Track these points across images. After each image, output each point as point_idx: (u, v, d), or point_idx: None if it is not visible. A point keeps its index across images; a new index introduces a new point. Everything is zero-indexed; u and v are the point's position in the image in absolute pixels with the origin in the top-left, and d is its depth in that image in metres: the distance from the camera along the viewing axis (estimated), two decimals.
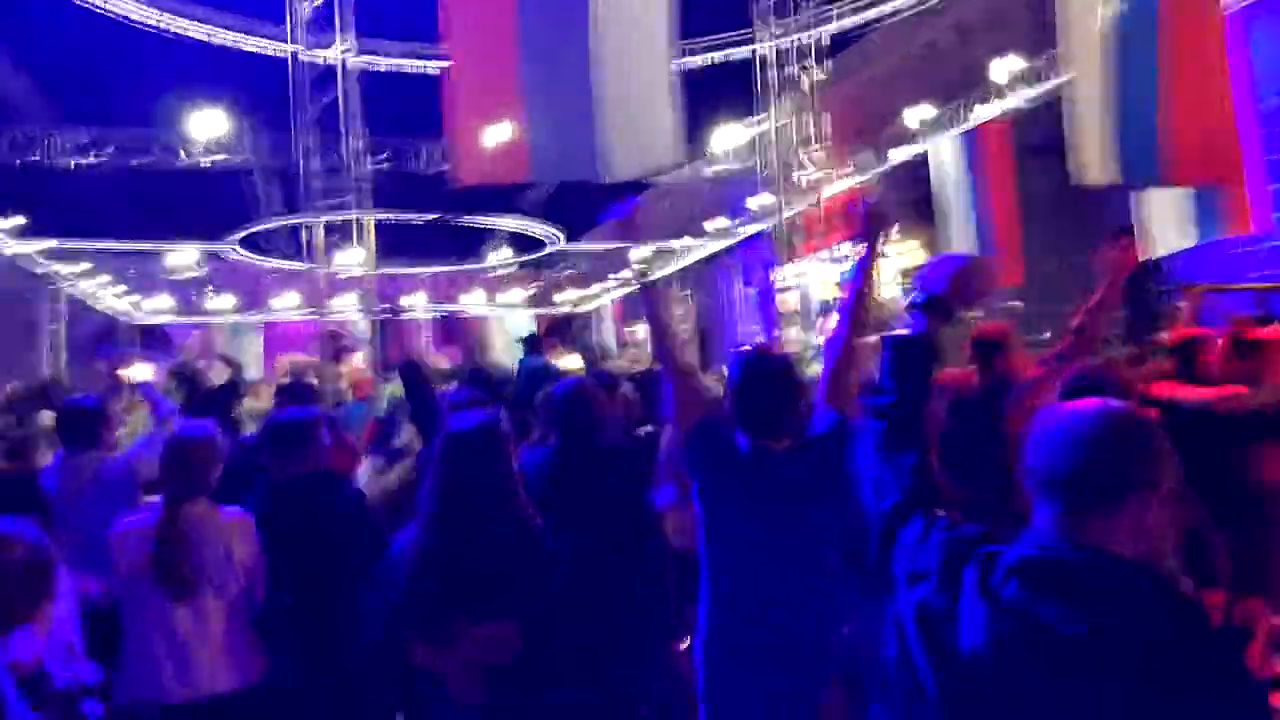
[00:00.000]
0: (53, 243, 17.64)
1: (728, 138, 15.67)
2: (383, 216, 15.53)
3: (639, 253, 23.09)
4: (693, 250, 22.14)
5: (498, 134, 7.47)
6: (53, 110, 14.83)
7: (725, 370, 6.08)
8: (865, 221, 2.78)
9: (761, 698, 2.51)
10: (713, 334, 26.10)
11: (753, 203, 18.05)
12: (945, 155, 13.49)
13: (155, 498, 3.89)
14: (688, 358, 2.95)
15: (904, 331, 1.91)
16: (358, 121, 8.15)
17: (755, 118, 15.68)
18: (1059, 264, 16.51)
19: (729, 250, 21.26)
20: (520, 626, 2.50)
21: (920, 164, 15.69)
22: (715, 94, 15.40)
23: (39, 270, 18.55)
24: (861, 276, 2.72)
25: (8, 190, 16.08)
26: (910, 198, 17.64)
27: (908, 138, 15.02)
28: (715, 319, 25.69)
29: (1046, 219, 16.44)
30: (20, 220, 16.32)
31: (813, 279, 14.55)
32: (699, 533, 2.68)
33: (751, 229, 19.34)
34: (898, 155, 15.25)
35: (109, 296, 21.36)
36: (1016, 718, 1.29)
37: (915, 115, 14.76)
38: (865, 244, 2.77)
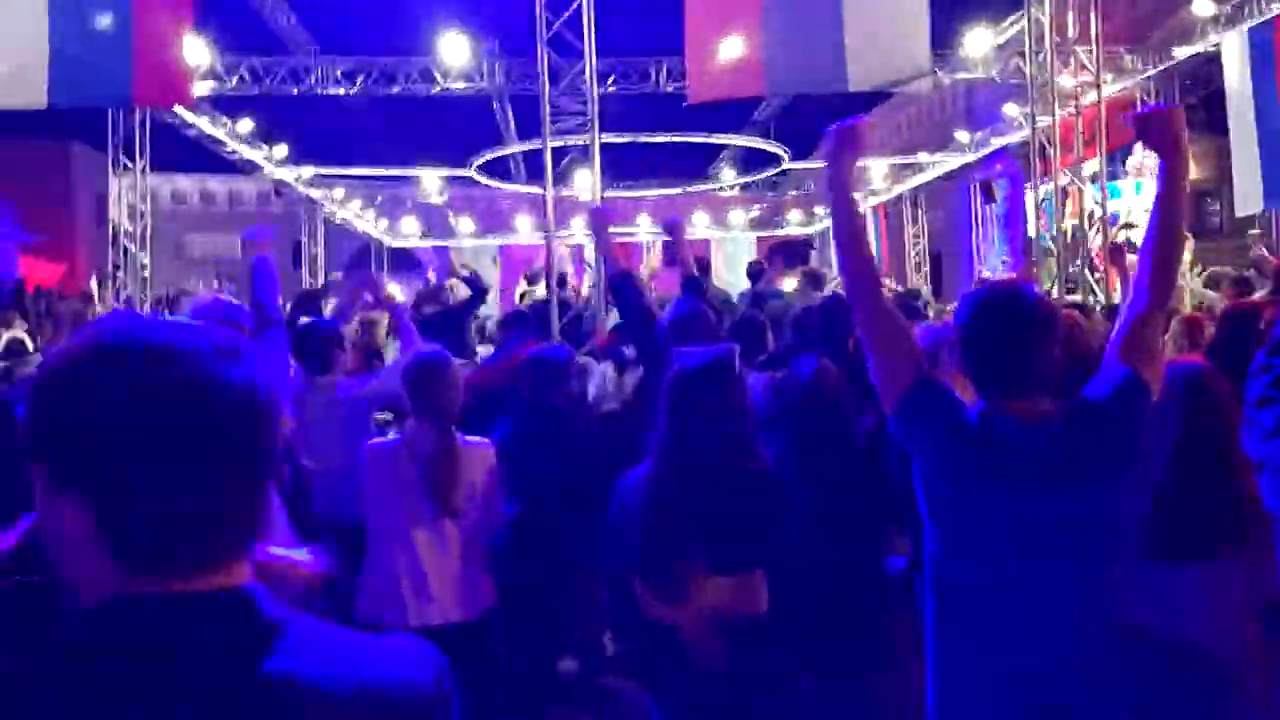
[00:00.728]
0: (312, 170, 19.02)
1: (978, 42, 14.40)
2: (614, 140, 15.59)
3: (875, 168, 22.19)
4: (934, 165, 20.86)
5: (735, 48, 7.19)
6: (315, 40, 15.79)
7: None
8: (1155, 130, 2.10)
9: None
10: (946, 260, 24.72)
11: (1008, 110, 16.68)
12: (1236, 52, 11.79)
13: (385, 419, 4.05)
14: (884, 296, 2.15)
15: None
16: (594, 44, 8.02)
17: (1011, 17, 14.32)
18: None
19: (973, 165, 19.86)
20: (766, 577, 2.29)
21: (1205, 63, 13.89)
22: None
23: (301, 195, 20.10)
24: (1163, 201, 2.07)
25: (275, 119, 17.41)
26: (1192, 102, 15.75)
27: (1195, 32, 13.23)
28: (951, 243, 24.29)
29: None
30: (285, 149, 17.67)
31: (1072, 198, 13.26)
32: (925, 526, 2.06)
33: (1000, 141, 17.95)
34: (1182, 53, 13.49)
35: (363, 221, 22.93)
36: None
37: (1204, 6, 12.93)
38: (1161, 160, 2.09)
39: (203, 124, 14.84)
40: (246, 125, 16.22)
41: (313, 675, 0.78)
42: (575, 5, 8.16)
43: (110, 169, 14.07)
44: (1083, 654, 1.86)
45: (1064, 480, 1.90)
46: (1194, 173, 17.31)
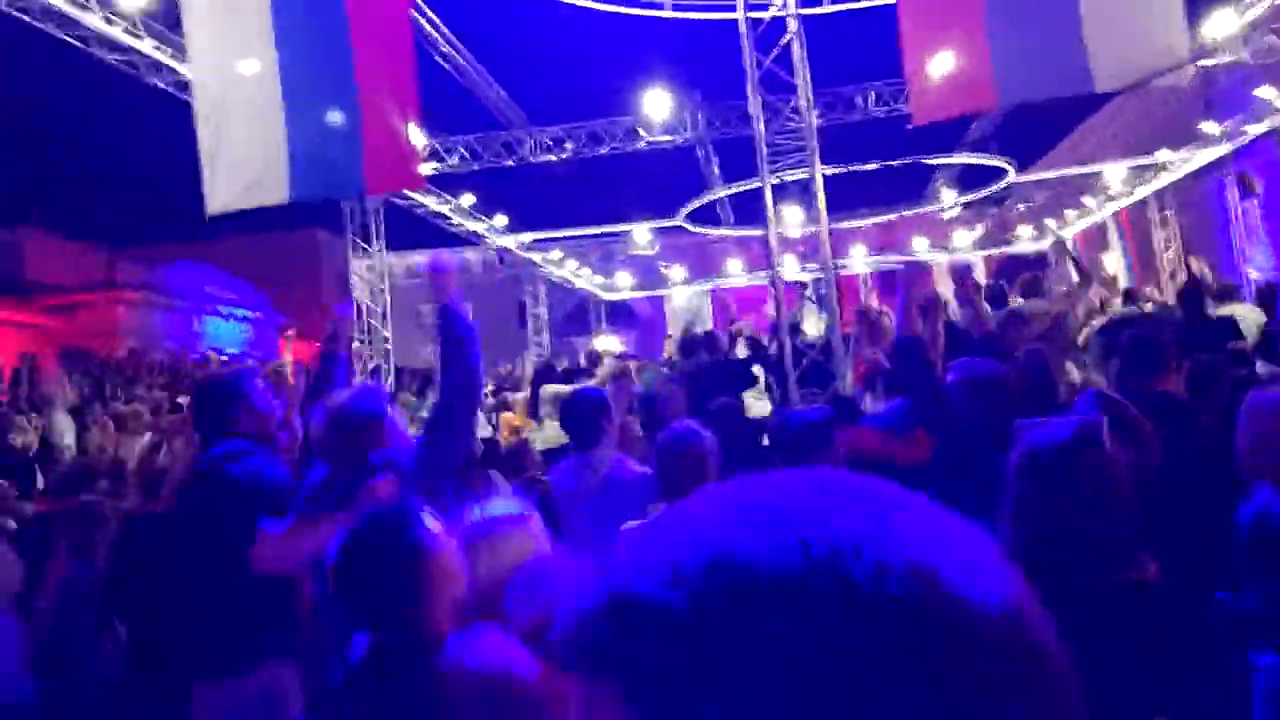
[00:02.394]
0: (530, 235, 19.79)
1: (1224, 23, 12.98)
2: (828, 171, 15.16)
3: (1112, 172, 20.46)
4: (1180, 163, 19.00)
5: (958, 62, 6.69)
6: (522, 111, 16.44)
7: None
8: None
9: None
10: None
11: (1261, 94, 14.95)
12: None
13: None
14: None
15: None
16: (805, 76, 7.76)
17: None
18: None
19: (1224, 159, 17.91)
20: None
21: None
22: None
23: (522, 259, 20.94)
24: None
25: (493, 191, 18.25)
26: None
27: None
28: (1208, 245, 21.95)
29: None
30: (503, 218, 18.48)
31: None
32: None
33: (1256, 128, 16.10)
34: None
35: (580, 278, 23.61)
36: None
37: None
38: None
39: (429, 203, 15.74)
40: (468, 199, 17.06)
41: None
42: (784, 42, 7.94)
43: (350, 251, 15.13)
44: None
45: None
46: None
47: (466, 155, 14.49)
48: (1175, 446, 2.34)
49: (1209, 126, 17.80)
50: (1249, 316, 7.36)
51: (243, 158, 5.99)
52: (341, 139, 5.72)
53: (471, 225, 17.65)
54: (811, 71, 8.57)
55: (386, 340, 14.92)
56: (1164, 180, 19.64)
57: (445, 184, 16.22)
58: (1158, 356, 3.06)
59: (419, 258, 38.13)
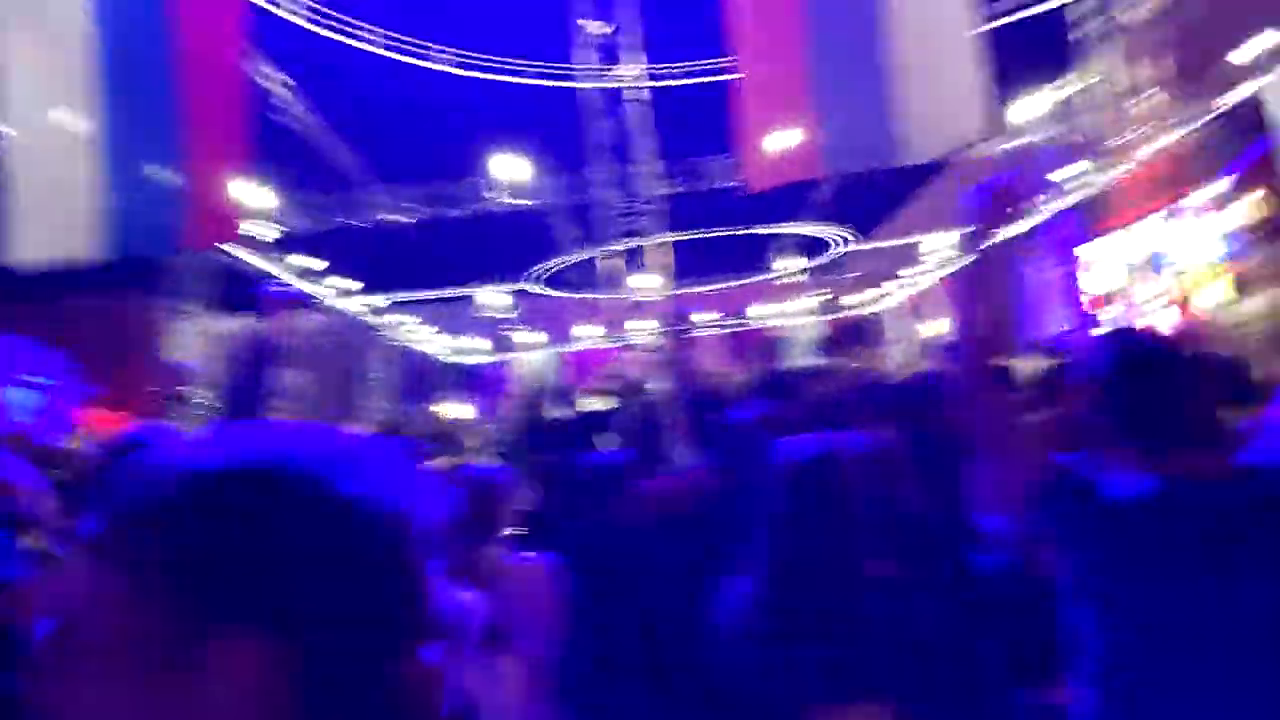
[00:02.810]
0: (371, 298, 19.42)
1: (1029, 106, 14.18)
2: (674, 238, 15.55)
3: (941, 241, 21.82)
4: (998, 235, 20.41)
5: (788, 133, 7.05)
6: (364, 167, 16.22)
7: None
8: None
9: None
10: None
11: (1058, 175, 16.32)
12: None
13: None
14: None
15: None
16: (648, 147, 8.00)
17: (1062, 80, 14.10)
18: None
19: (1024, 234, 19.39)
20: (895, 709, 1.93)
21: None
22: (1013, 61, 14.00)
23: (362, 321, 20.45)
24: None
25: (333, 250, 17.82)
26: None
27: (1239, 79, 12.84)
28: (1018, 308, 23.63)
29: None
30: (344, 281, 18.06)
31: (1119, 254, 12.76)
32: (1073, 607, 1.83)
33: (1059, 205, 17.51)
34: (1228, 100, 13.10)
35: (429, 344, 23.28)
36: None
37: (1249, 51, 12.58)
38: None
39: (261, 263, 15.23)
40: (307, 260, 16.62)
41: None
42: (631, 111, 8.16)
43: (179, 317, 14.44)
44: None
45: (1238, 557, 1.63)
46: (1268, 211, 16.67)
47: (312, 213, 14.16)
48: None
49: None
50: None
51: (52, 210, 5.65)
52: (161, 194, 5.48)
53: (309, 288, 17.14)
54: (665, 141, 8.83)
55: (218, 403, 14.21)
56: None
57: (288, 245, 15.76)
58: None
59: (247, 321, 36.63)
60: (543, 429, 6.80)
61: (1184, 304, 11.58)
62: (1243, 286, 8.78)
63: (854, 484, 1.99)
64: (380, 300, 19.71)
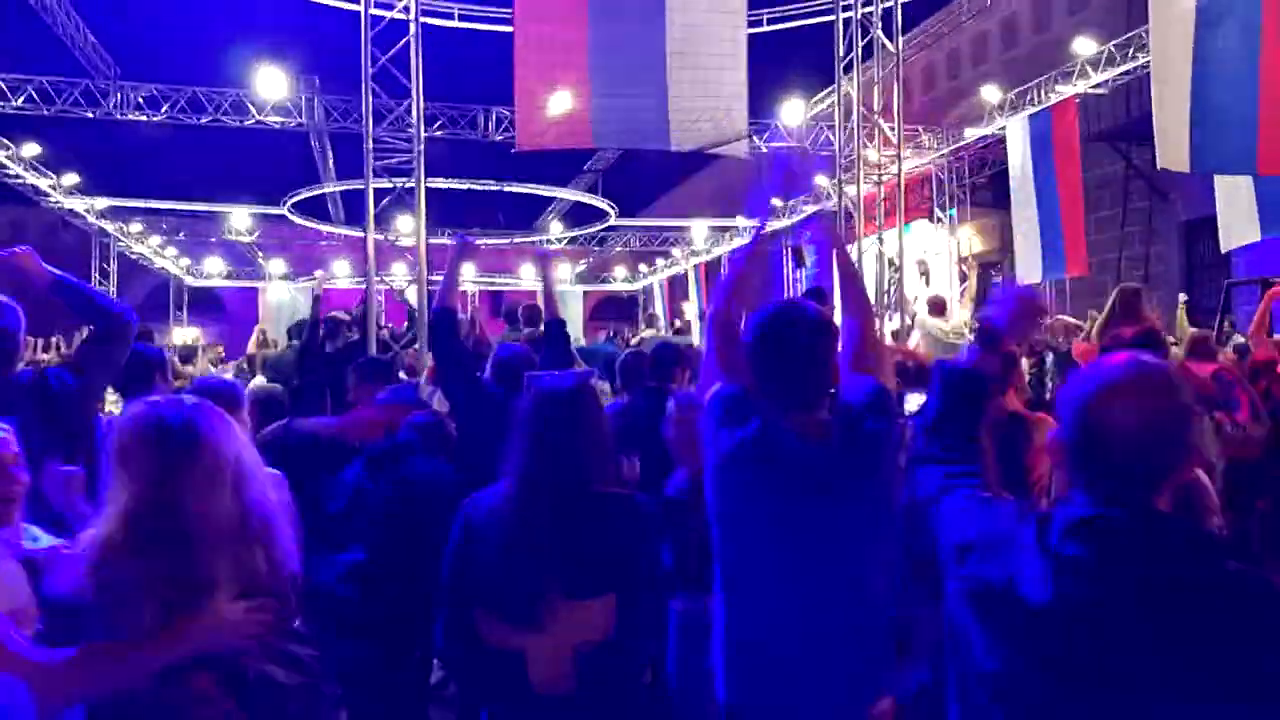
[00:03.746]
0: (106, 201, 17.73)
1: (795, 112, 15.20)
2: (442, 185, 15.32)
3: (698, 229, 22.87)
4: (749, 230, 21.71)
5: (563, 99, 7.23)
6: (116, 68, 14.83)
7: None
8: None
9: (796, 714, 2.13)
10: None
11: (819, 181, 17.59)
12: (1019, 136, 12.97)
13: None
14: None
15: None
16: (421, 85, 7.86)
17: (821, 93, 15.21)
18: (1118, 258, 16.00)
19: (786, 231, 20.80)
20: (617, 600, 2.27)
21: (987, 146, 15.18)
22: (784, 66, 14.94)
23: (93, 228, 18.66)
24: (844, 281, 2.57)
25: (66, 146, 16.17)
26: (981, 180, 17.15)
27: (982, 117, 14.47)
28: (767, 302, 25.23)
29: (1105, 209, 15.91)
30: (75, 178, 16.41)
31: (870, 260, 14.10)
32: (713, 527, 2.22)
33: (811, 208, 18.88)
34: (973, 134, 14.71)
35: (163, 258, 21.53)
36: (1084, 668, 1.36)
37: (992, 92, 14.19)
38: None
39: None
40: (32, 150, 14.98)
41: None
42: (403, 43, 8.01)
43: None
44: (833, 630, 2.08)
45: (838, 487, 2.07)
46: (980, 245, 18.88)
47: (37, 98, 12.74)
48: None
49: (776, 201, 20.64)
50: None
51: None
52: None
53: (33, 179, 15.45)
54: (438, 85, 8.70)
55: None
56: (737, 243, 22.34)
57: (8, 128, 14.13)
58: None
59: None
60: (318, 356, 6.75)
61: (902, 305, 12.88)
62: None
63: (572, 409, 2.37)
64: (111, 204, 18.04)
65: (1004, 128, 13.53)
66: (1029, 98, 13.19)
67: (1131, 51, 11.57)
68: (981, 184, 17.25)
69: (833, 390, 2.24)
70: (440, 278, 4.50)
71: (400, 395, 3.90)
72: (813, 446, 2.08)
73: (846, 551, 2.07)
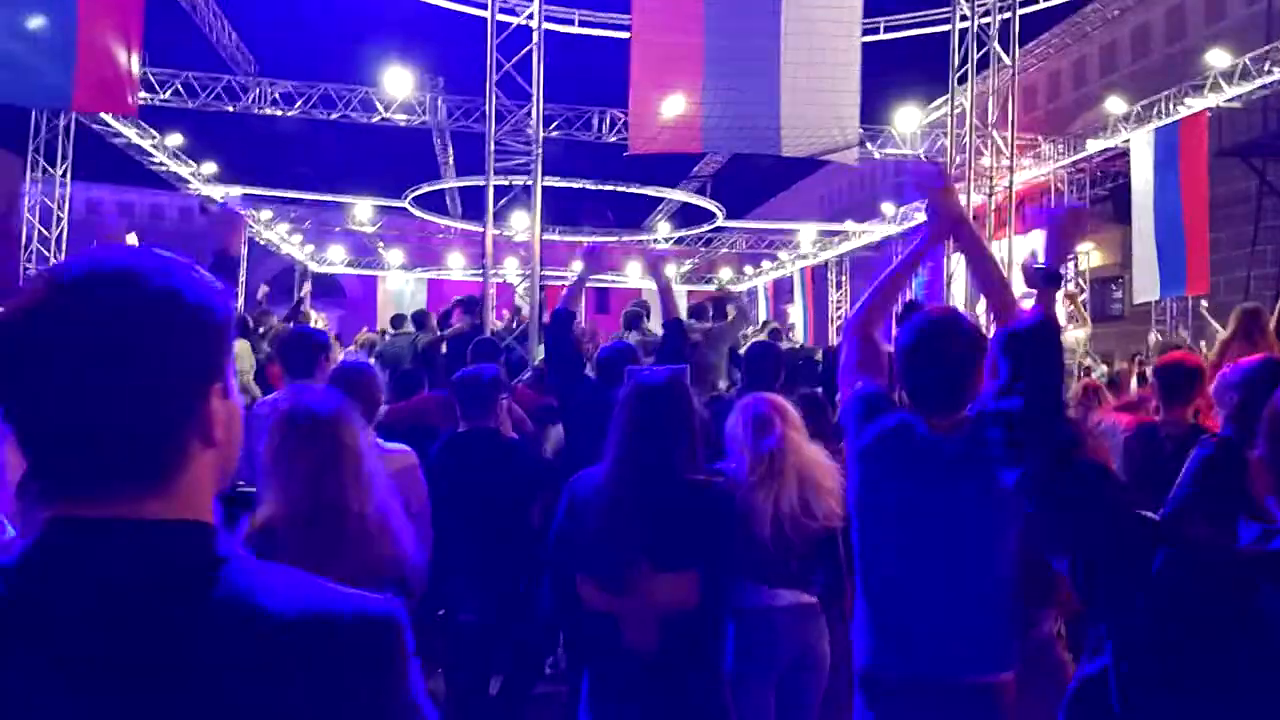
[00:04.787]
0: (240, 189, 18.75)
1: (908, 119, 15.04)
2: (557, 184, 15.70)
3: (805, 233, 22.78)
4: (859, 235, 21.53)
5: (675, 104, 7.41)
6: (255, 64, 15.69)
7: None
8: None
9: (925, 688, 2.29)
10: None
11: (886, 208, 17.39)
12: (1144, 149, 12.55)
13: None
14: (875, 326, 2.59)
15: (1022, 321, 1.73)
16: (542, 91, 8.16)
17: (936, 101, 15.00)
18: (1247, 276, 15.28)
19: (897, 238, 20.55)
20: (700, 576, 2.51)
21: (1109, 159, 14.72)
22: (900, 73, 14.80)
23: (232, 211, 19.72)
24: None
25: (206, 136, 17.16)
26: (1099, 194, 16.63)
27: (1107, 128, 14.05)
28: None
29: (1235, 227, 15.21)
30: (214, 167, 17.42)
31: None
32: (851, 514, 2.43)
33: (924, 216, 18.62)
34: (1096, 145, 14.30)
35: (289, 244, 22.58)
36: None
37: (1117, 104, 13.78)
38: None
39: (130, 134, 14.56)
40: (175, 139, 15.96)
41: (264, 602, 0.80)
42: (526, 50, 8.32)
43: (28, 172, 13.69)
44: (960, 600, 2.25)
45: (967, 485, 2.23)
46: (1100, 259, 18.27)
47: (182, 91, 13.60)
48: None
49: (888, 208, 20.40)
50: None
51: None
52: (50, 47, 5.36)
53: (175, 167, 16.47)
54: (558, 88, 8.97)
55: None
56: (844, 248, 22.15)
57: (154, 119, 15.10)
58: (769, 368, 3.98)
59: (103, 192, 34.54)
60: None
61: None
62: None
63: (665, 401, 2.60)
64: (245, 192, 19.06)
65: (1128, 140, 13.13)
66: (1156, 110, 12.77)
67: (1268, 65, 11.10)
68: (1103, 196, 16.72)
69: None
70: (552, 274, 4.83)
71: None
72: (941, 437, 2.26)
73: (970, 533, 2.25)
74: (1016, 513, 2.22)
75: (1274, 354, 4.47)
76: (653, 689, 2.51)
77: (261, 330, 6.81)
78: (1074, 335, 12.16)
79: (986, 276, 2.59)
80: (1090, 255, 17.72)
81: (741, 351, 5.65)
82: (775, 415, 2.97)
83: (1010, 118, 11.76)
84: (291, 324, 5.78)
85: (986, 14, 11.40)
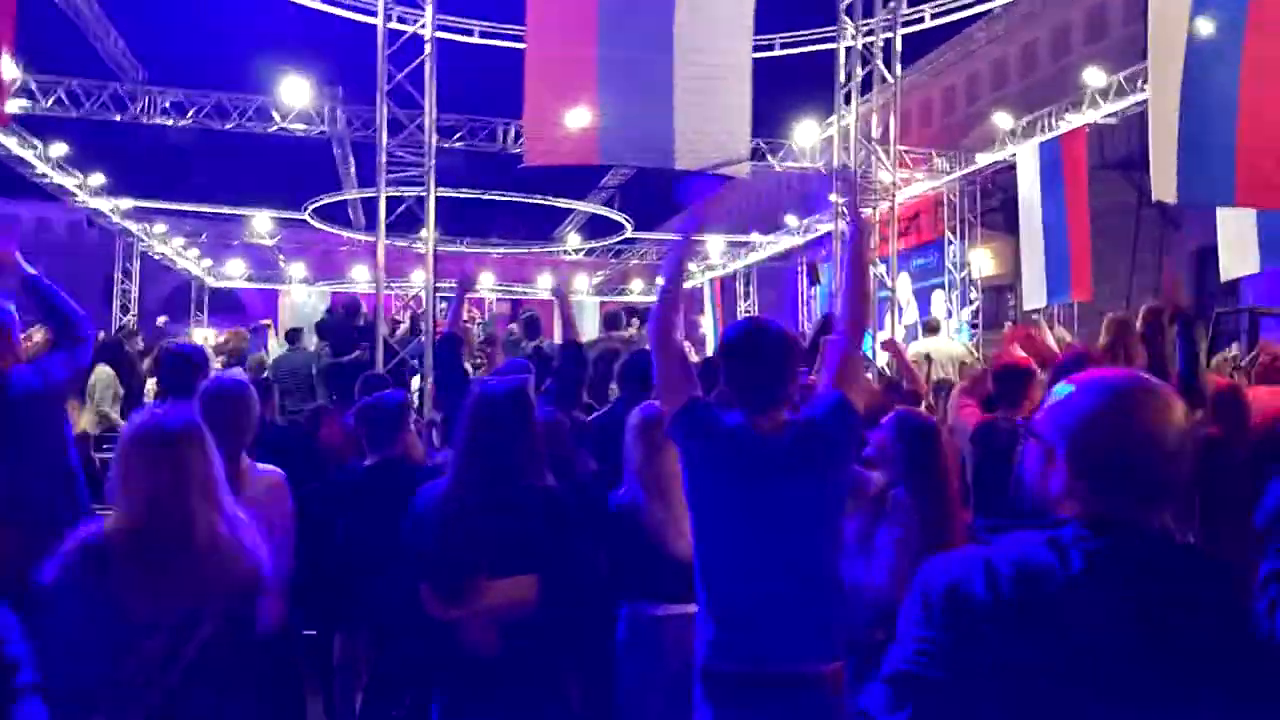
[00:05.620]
0: (131, 202, 18.05)
1: (808, 133, 15.33)
2: (454, 194, 15.55)
3: (714, 244, 23.01)
4: (765, 246, 21.86)
5: (571, 116, 7.41)
6: (144, 72, 15.14)
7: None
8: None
9: (759, 680, 2.38)
10: None
11: (833, 199, 17.72)
12: (1030, 162, 13.06)
13: None
14: (680, 337, 2.72)
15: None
16: (435, 98, 8.08)
17: (832, 116, 15.32)
18: (1128, 284, 16.02)
19: (801, 248, 20.92)
20: (539, 581, 2.56)
21: (999, 171, 15.26)
22: (799, 88, 15.11)
23: (117, 227, 18.96)
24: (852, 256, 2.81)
25: (93, 147, 16.50)
26: (990, 205, 17.22)
27: (994, 142, 14.56)
28: (781, 318, 25.35)
29: (1117, 236, 15.95)
30: (101, 178, 16.74)
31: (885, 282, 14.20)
32: (692, 517, 2.52)
33: (826, 227, 19.00)
34: (985, 159, 14.80)
35: (185, 259, 21.81)
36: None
37: (1005, 119, 14.28)
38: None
39: (10, 144, 13.91)
40: (60, 149, 15.31)
41: None
42: (419, 60, 8.23)
43: None
44: (790, 593, 2.37)
45: (788, 478, 2.40)
46: (991, 269, 18.90)
47: (65, 100, 13.05)
48: None
49: (791, 219, 20.75)
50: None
51: None
52: None
53: (60, 179, 15.78)
54: (463, 98, 8.91)
55: None
56: (752, 259, 22.47)
57: (38, 129, 14.46)
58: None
59: None
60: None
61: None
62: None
63: (504, 410, 2.69)
64: (135, 204, 18.36)
65: (1015, 154, 13.63)
66: (1040, 125, 13.28)
67: (1140, 84, 11.65)
68: (994, 208, 17.31)
69: (798, 399, 2.58)
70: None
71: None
72: (767, 437, 2.41)
73: (797, 526, 2.39)
74: (841, 509, 2.46)
75: (1138, 360, 4.71)
76: (497, 695, 2.54)
77: (141, 349, 6.59)
78: (961, 345, 12.57)
79: (859, 287, 2.74)
80: (984, 264, 18.32)
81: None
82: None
83: (893, 134, 12.11)
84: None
85: (870, 33, 11.72)
